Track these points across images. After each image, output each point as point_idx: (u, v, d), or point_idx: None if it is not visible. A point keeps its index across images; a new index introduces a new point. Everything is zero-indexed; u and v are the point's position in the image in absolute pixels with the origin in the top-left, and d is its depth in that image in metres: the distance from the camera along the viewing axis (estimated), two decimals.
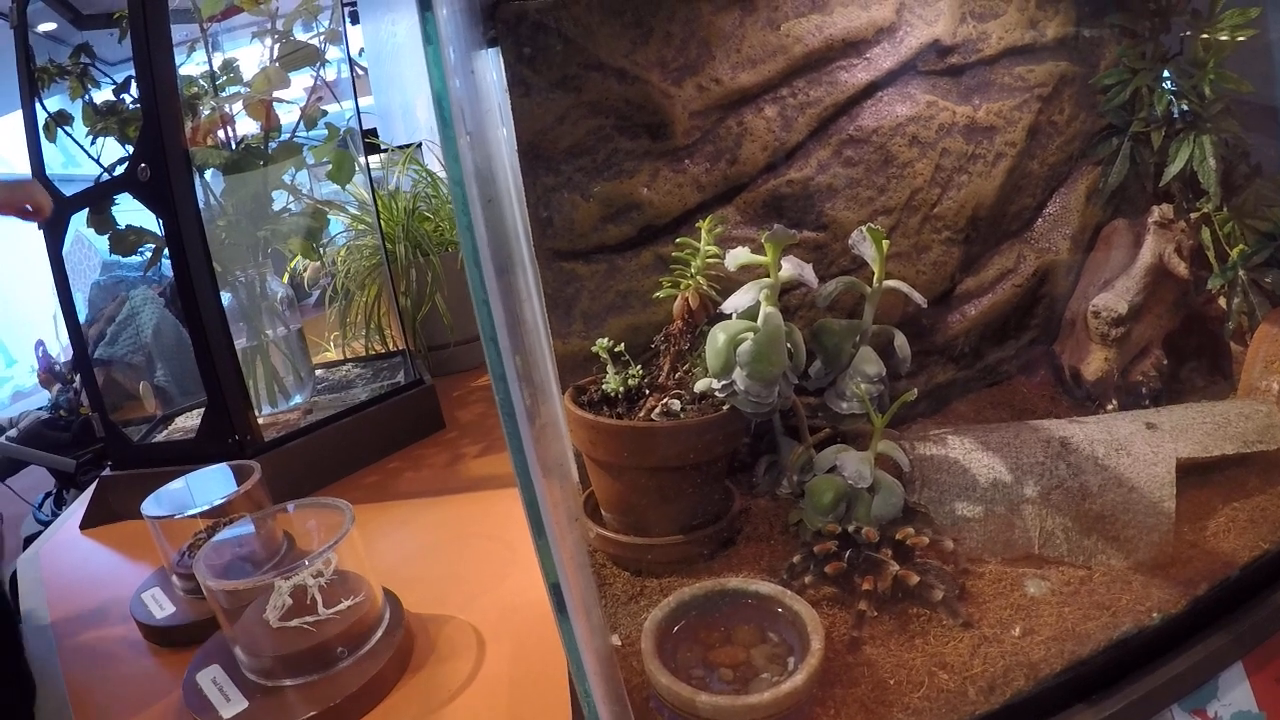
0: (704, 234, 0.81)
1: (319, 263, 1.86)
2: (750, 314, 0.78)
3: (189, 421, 1.60)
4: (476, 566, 1.11)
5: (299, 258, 1.71)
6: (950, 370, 1.04)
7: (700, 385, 0.80)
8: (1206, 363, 1.09)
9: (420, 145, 1.99)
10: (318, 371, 1.77)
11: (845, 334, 0.84)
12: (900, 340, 0.85)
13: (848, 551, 0.77)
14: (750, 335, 0.75)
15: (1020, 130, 1.02)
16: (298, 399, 1.60)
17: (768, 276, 0.77)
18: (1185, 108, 1.05)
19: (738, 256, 0.77)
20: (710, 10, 0.90)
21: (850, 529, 0.78)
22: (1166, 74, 1.06)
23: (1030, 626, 0.74)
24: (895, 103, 0.97)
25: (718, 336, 0.77)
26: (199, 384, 1.38)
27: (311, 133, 1.59)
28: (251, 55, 1.55)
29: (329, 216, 1.74)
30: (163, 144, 1.29)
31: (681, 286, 0.83)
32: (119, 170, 1.44)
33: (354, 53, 1.71)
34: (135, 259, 1.60)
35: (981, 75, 1.02)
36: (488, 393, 1.81)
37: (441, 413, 1.64)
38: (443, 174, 1.70)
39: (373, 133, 1.85)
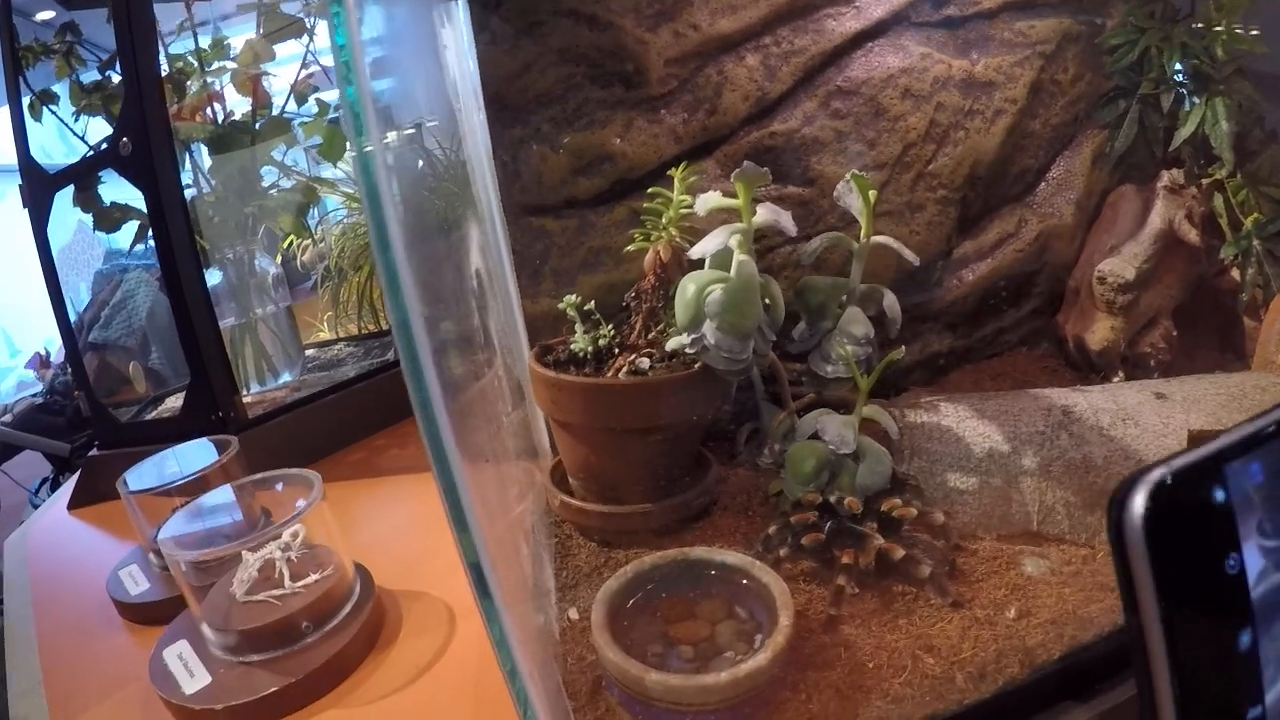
0: (676, 183, 0.73)
1: (315, 244, 1.80)
2: (724, 263, 0.69)
3: (178, 402, 1.55)
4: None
5: (292, 237, 1.65)
6: (947, 339, 0.95)
7: (672, 343, 0.71)
8: (1217, 337, 1.00)
9: (418, 127, 1.93)
10: (309, 351, 1.71)
11: (831, 292, 0.76)
12: (890, 300, 0.77)
13: (828, 523, 0.69)
14: (720, 285, 0.67)
15: (1021, 87, 0.93)
16: (286, 377, 1.55)
17: (740, 221, 0.68)
18: (1193, 70, 0.97)
19: (707, 200, 0.68)
20: None
21: (832, 499, 0.69)
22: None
23: (1027, 608, 0.65)
24: (887, 53, 0.89)
25: (687, 287, 0.68)
26: (187, 365, 1.33)
27: (303, 109, 1.54)
28: (243, 35, 1.51)
29: (324, 196, 1.69)
30: (144, 117, 1.24)
31: (653, 239, 0.75)
32: (104, 147, 1.40)
33: None
34: (138, 248, 1.57)
35: (979, 29, 0.94)
36: None
37: None
38: (439, 154, 1.64)
39: None
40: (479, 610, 0.44)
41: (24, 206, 1.43)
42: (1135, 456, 0.75)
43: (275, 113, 1.51)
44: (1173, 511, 0.33)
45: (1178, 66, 0.98)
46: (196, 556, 0.84)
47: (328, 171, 1.68)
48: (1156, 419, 0.78)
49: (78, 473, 1.52)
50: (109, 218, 1.43)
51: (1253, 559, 0.34)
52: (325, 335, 1.93)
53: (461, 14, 0.80)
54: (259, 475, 0.95)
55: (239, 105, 1.49)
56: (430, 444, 0.40)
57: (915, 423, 0.79)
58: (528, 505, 0.81)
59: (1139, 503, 0.32)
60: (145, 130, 1.24)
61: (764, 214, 0.68)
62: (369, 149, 0.37)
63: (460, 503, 0.40)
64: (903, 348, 0.71)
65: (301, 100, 1.52)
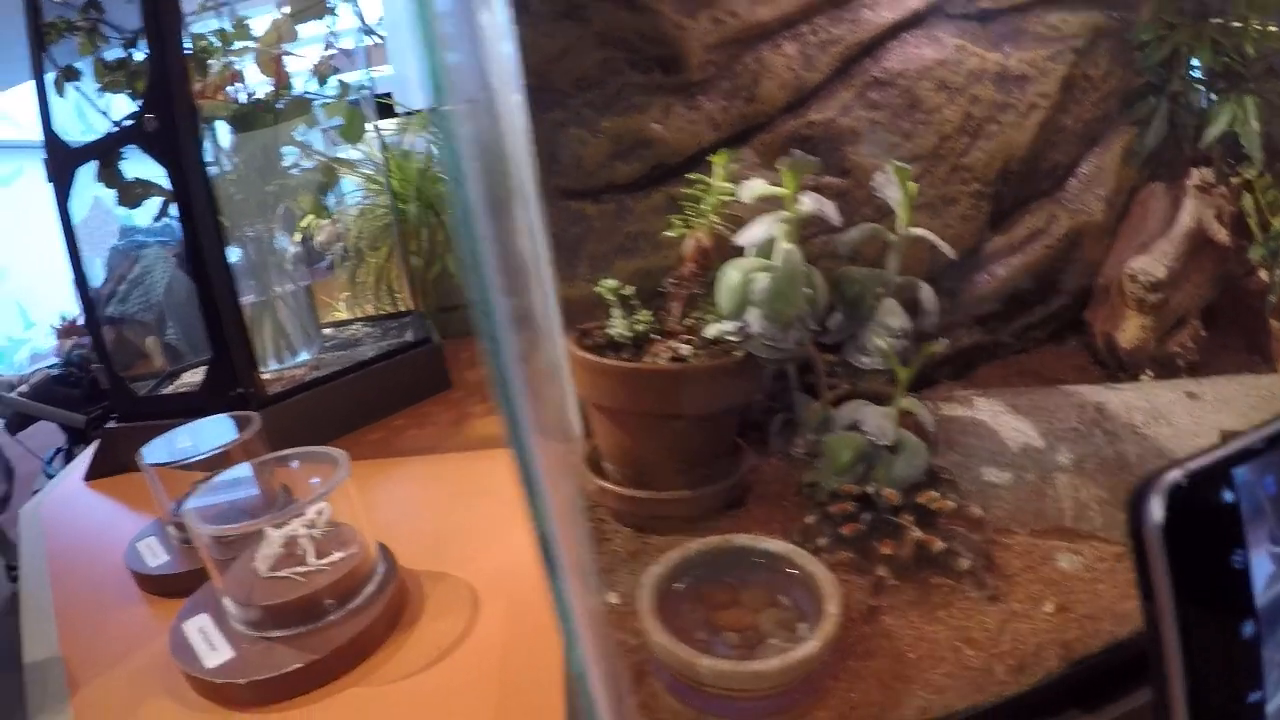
0: (717, 169, 0.72)
1: (333, 224, 1.79)
2: (767, 251, 0.69)
3: (195, 377, 1.55)
4: (476, 524, 1.04)
5: (310, 217, 1.64)
6: (976, 334, 0.94)
7: (711, 330, 0.71)
8: (1243, 338, 0.99)
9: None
10: (326, 330, 1.71)
11: (868, 283, 0.75)
12: (927, 293, 0.76)
13: (866, 514, 0.68)
14: (766, 272, 0.66)
15: (1054, 82, 0.93)
16: (304, 355, 1.54)
17: (785, 210, 0.67)
18: (1224, 67, 0.96)
19: (754, 188, 0.68)
20: None
21: (869, 490, 0.69)
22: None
23: (1063, 603, 0.64)
24: (922, 45, 0.88)
25: (731, 274, 0.67)
26: (208, 340, 1.33)
27: (324, 89, 1.54)
28: (265, 16, 1.49)
29: (342, 177, 1.68)
30: (170, 94, 1.23)
31: (693, 226, 0.74)
32: (127, 124, 1.39)
33: (372, 21, 1.65)
34: (155, 225, 1.56)
35: (1013, 23, 0.93)
36: None
37: (448, 372, 1.58)
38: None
39: (388, 95, 1.78)
40: (547, 583, 0.44)
41: (48, 181, 1.42)
42: (1168, 455, 0.75)
43: (296, 93, 1.50)
44: (1186, 510, 0.35)
45: (1194, 63, 0.97)
46: (222, 531, 0.83)
47: (345, 152, 1.68)
48: (1188, 418, 0.78)
49: (94, 444, 1.51)
50: (131, 193, 1.42)
51: (1260, 561, 0.37)
52: (342, 315, 1.92)
53: None
54: (286, 451, 0.94)
55: (260, 85, 1.48)
56: (506, 413, 0.39)
57: (950, 416, 0.78)
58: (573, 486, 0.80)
59: (1156, 502, 0.35)
60: (170, 108, 1.23)
61: (809, 203, 0.67)
62: (449, 120, 0.36)
63: (532, 474, 0.40)
64: (943, 340, 0.70)
65: (323, 81, 1.51)
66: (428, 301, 1.77)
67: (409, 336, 1.58)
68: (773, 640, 0.58)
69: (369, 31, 1.59)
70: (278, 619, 0.82)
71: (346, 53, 1.55)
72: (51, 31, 1.42)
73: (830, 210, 0.69)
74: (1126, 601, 0.64)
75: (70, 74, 1.45)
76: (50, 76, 1.41)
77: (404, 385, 1.49)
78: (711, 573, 0.63)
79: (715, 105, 0.82)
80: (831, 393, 0.77)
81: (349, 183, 1.81)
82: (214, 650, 0.82)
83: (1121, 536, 0.73)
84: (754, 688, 0.53)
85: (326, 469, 0.89)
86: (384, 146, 1.67)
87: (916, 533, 0.66)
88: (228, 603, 0.84)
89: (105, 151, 1.41)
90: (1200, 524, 0.36)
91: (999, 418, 0.78)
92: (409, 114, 1.86)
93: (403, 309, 1.81)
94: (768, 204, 0.70)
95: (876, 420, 0.70)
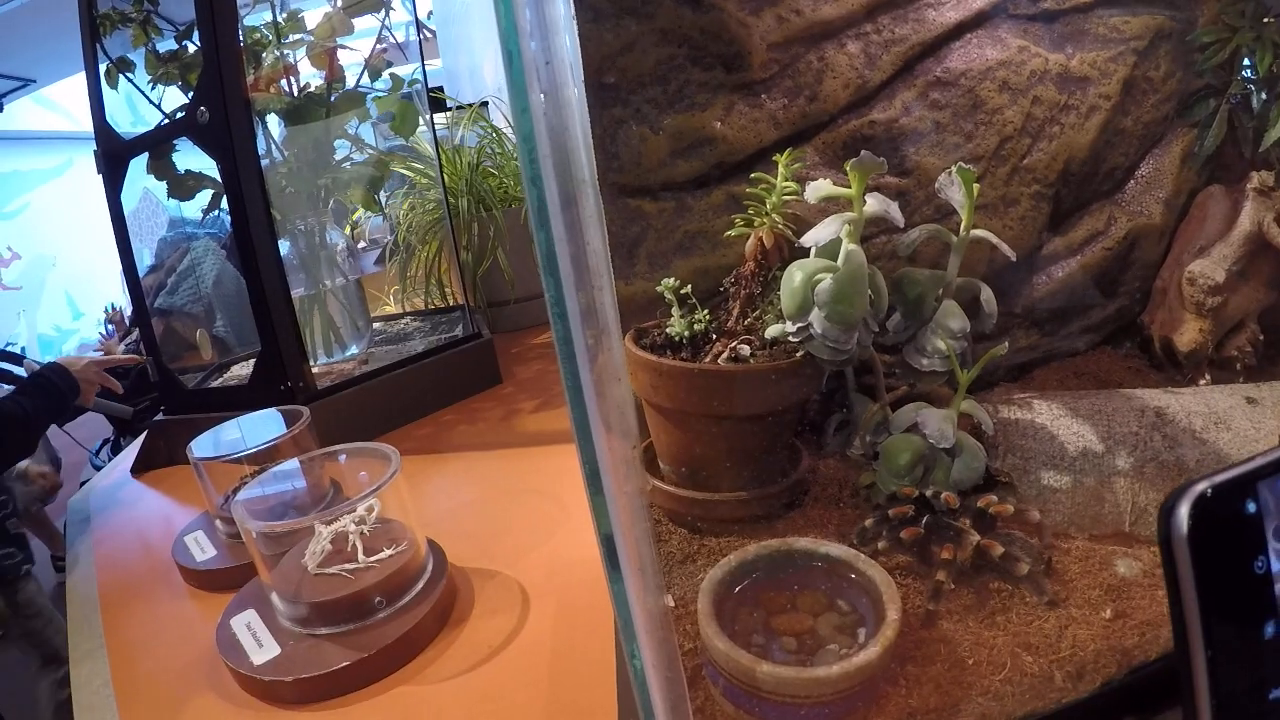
0: (781, 168, 0.71)
1: (386, 217, 1.80)
2: (830, 252, 0.67)
3: (244, 370, 1.55)
4: (526, 522, 1.03)
5: (361, 210, 1.65)
6: (1033, 335, 0.92)
7: (772, 331, 0.70)
8: None
9: (486, 104, 1.91)
10: (376, 324, 1.71)
11: (929, 285, 0.74)
12: (987, 295, 0.74)
13: (925, 517, 0.67)
14: (830, 274, 0.65)
15: (1115, 83, 0.90)
16: (354, 349, 1.54)
17: (850, 211, 0.66)
18: None
19: (819, 188, 0.66)
20: None
21: (928, 493, 0.68)
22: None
23: (1122, 609, 0.63)
24: (985, 45, 0.86)
25: (794, 275, 0.66)
26: (256, 333, 1.33)
27: (376, 83, 1.53)
28: (318, 10, 1.49)
29: (393, 170, 1.68)
30: (223, 87, 1.23)
31: (755, 225, 0.73)
32: (180, 116, 1.39)
33: (423, 15, 1.64)
34: (205, 217, 1.56)
35: (1075, 23, 0.90)
36: (546, 350, 1.74)
37: (498, 367, 1.57)
38: (508, 130, 1.62)
39: (440, 89, 1.78)
40: (607, 583, 0.43)
41: (98, 173, 1.43)
42: (1227, 459, 0.73)
43: (349, 87, 1.50)
44: (1211, 519, 0.38)
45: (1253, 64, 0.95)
46: (271, 528, 0.83)
47: (393, 144, 1.67)
48: (1248, 423, 0.76)
49: (141, 437, 1.52)
50: (183, 186, 1.43)
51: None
52: (391, 309, 1.92)
53: None
54: (336, 447, 0.94)
55: (312, 78, 1.48)
56: (574, 410, 0.39)
57: (1008, 419, 0.77)
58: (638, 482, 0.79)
59: (1183, 512, 0.38)
60: (224, 100, 1.23)
61: (874, 204, 0.66)
62: (529, 111, 0.36)
63: (598, 471, 0.39)
64: (1005, 343, 0.69)
65: (375, 75, 1.51)
66: (477, 296, 1.77)
67: (459, 331, 1.58)
68: (831, 645, 0.57)
69: (421, 25, 1.58)
70: (326, 616, 0.81)
71: (399, 46, 1.55)
72: (105, 23, 1.43)
73: (895, 211, 0.68)
74: None
75: (124, 65, 1.45)
76: (102, 68, 1.42)
77: (454, 380, 1.48)
78: (769, 575, 0.62)
79: (777, 103, 0.81)
80: (890, 394, 0.76)
81: (399, 177, 1.81)
82: (261, 647, 0.81)
83: None
84: (813, 694, 0.52)
85: (376, 464, 0.89)
86: (436, 141, 1.67)
87: (975, 537, 0.65)
88: (276, 599, 0.84)
89: (157, 144, 1.42)
90: (1224, 533, 0.39)
91: (1057, 421, 0.77)
92: (460, 108, 1.86)
93: (452, 303, 1.81)
94: (831, 204, 0.69)
95: (936, 423, 0.69)
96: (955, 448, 0.69)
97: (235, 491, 1.02)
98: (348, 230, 1.61)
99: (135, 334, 2.93)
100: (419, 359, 1.45)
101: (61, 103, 6.65)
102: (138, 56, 1.45)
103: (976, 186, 0.71)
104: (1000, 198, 0.87)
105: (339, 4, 1.47)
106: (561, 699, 0.71)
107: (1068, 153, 0.88)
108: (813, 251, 0.69)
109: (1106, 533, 0.72)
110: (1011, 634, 0.62)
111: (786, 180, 0.71)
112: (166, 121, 1.41)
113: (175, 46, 1.45)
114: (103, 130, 1.42)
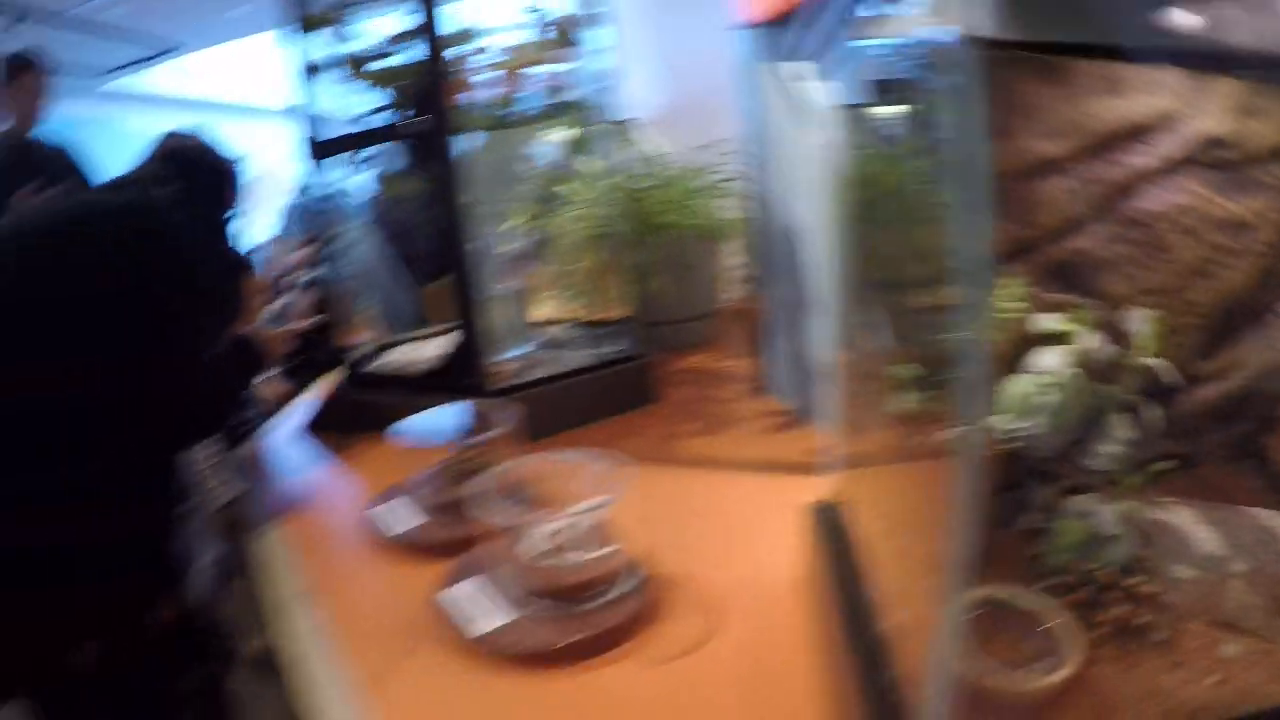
0: (1008, 290, 0.88)
1: (543, 226, 1.91)
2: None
3: (414, 353, 1.67)
4: (706, 541, 1.13)
5: (527, 218, 1.77)
6: (1174, 447, 1.08)
7: (999, 422, 0.87)
8: None
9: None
10: (535, 329, 1.81)
11: (1108, 399, 0.90)
12: (1154, 414, 0.91)
13: (1086, 587, 0.84)
14: (1057, 388, 0.82)
15: (1274, 230, 1.05)
16: (514, 352, 1.65)
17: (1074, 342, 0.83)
18: None
19: (1046, 321, 0.83)
20: (1019, 79, 0.95)
21: (1092, 569, 0.85)
22: None
23: (1224, 678, 0.80)
24: (1169, 190, 1.01)
25: (1023, 383, 0.84)
26: (407, 317, 1.46)
27: (557, 102, 1.67)
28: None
29: (567, 185, 1.79)
30: (440, 100, 1.38)
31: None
32: (378, 117, 1.56)
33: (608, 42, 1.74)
34: (365, 202, 1.74)
35: (1245, 172, 1.05)
36: (695, 373, 1.80)
37: (657, 388, 1.62)
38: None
39: (619, 115, 1.89)
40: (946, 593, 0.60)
41: (309, 163, 1.57)
42: None
43: (534, 105, 1.64)
44: None
45: None
46: (517, 521, 0.95)
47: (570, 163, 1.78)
48: None
49: (311, 391, 1.71)
50: (391, 184, 1.58)
51: None
52: (547, 315, 2.02)
53: None
54: (571, 451, 1.06)
55: (499, 93, 1.62)
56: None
57: (1151, 519, 0.93)
58: None
59: None
60: (439, 112, 1.37)
61: (1093, 341, 0.83)
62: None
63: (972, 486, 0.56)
64: (1170, 461, 0.86)
65: (557, 96, 1.65)
66: (638, 314, 1.84)
67: (623, 347, 1.64)
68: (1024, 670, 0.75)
69: (603, 52, 1.70)
70: (540, 600, 0.94)
71: (581, 70, 1.67)
72: (313, 23, 1.57)
73: (1100, 344, 0.84)
74: (1270, 685, 0.81)
75: (330, 65, 1.60)
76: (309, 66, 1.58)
77: (615, 394, 1.56)
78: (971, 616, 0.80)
79: (995, 225, 0.97)
80: (1062, 483, 0.93)
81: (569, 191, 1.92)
82: (485, 616, 0.94)
83: (1272, 636, 0.88)
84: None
85: (592, 469, 1.01)
86: (610, 164, 1.77)
87: (1125, 608, 0.82)
88: (498, 577, 0.96)
89: (366, 144, 1.57)
90: None
91: (1190, 525, 0.93)
92: (636, 132, 1.97)
93: (613, 317, 1.89)
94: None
95: (1108, 515, 0.86)
96: (1116, 535, 0.86)
97: (439, 473, 1.16)
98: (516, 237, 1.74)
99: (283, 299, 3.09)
100: (588, 370, 1.54)
101: (200, 71, 6.72)
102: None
103: (1159, 324, 0.87)
104: (1167, 326, 1.02)
105: (538, 34, 1.60)
106: (756, 698, 0.84)
107: (1229, 291, 1.03)
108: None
109: (1217, 620, 0.89)
110: (1139, 686, 0.79)
111: (1014, 301, 0.87)
112: (376, 126, 1.56)
113: (375, 50, 1.58)
114: (311, 122, 1.57)
